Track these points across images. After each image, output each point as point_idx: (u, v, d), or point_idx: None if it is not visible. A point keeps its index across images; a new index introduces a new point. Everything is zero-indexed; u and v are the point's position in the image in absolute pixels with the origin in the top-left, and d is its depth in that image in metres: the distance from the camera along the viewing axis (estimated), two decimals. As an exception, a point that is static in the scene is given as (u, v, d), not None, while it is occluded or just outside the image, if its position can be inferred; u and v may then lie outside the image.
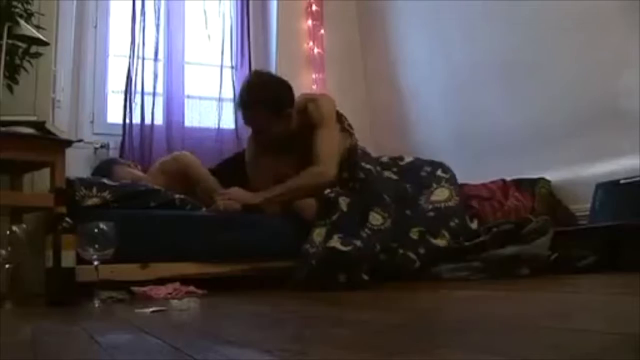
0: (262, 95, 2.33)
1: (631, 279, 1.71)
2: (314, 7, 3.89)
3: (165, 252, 2.15)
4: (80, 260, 1.78)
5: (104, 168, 2.62)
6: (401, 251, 2.19)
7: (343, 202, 2.16)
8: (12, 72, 2.17)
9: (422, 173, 2.50)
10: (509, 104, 2.99)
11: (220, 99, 3.57)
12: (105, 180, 2.24)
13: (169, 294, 1.96)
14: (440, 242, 2.24)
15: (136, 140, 3.22)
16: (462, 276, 2.14)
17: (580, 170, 2.60)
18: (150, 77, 3.35)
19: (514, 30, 2.96)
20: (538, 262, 2.10)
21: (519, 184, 2.74)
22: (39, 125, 2.02)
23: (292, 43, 3.83)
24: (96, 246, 1.76)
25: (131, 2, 3.34)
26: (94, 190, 2.12)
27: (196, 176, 2.57)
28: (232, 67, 3.65)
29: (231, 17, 3.71)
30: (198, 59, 3.63)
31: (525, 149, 2.86)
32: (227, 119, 3.57)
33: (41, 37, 2.19)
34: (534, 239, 2.14)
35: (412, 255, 2.19)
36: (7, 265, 1.81)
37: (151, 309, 1.46)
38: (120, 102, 3.26)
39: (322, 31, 3.90)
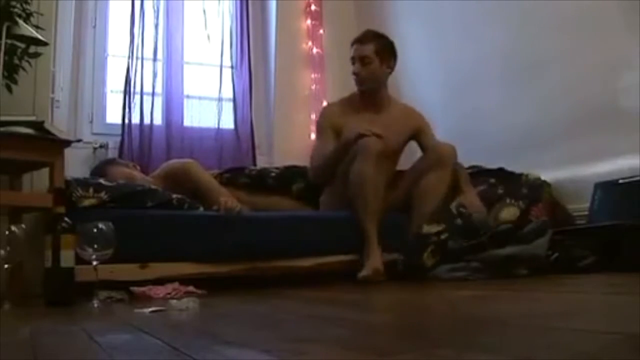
0: None
1: (631, 279, 1.71)
2: (313, 7, 3.89)
3: (162, 252, 2.14)
4: (79, 260, 1.78)
5: (100, 168, 2.61)
6: None
7: None
8: (11, 72, 2.17)
9: None
10: (508, 104, 2.99)
11: (219, 99, 3.56)
12: (102, 181, 2.23)
13: (168, 294, 1.96)
14: None
15: (135, 140, 3.21)
16: (460, 276, 2.14)
17: (579, 170, 2.60)
18: (149, 77, 3.35)
19: (513, 30, 2.96)
20: (537, 262, 2.10)
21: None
22: (38, 125, 2.02)
23: (291, 43, 3.83)
24: (95, 246, 1.76)
25: (130, 1, 3.33)
26: (91, 190, 2.12)
27: (208, 190, 2.46)
28: (231, 67, 3.65)
29: (230, 17, 3.71)
30: (197, 58, 3.62)
31: (524, 149, 2.86)
32: (227, 119, 3.56)
33: (40, 37, 2.18)
34: (532, 240, 2.14)
35: None
36: (6, 266, 1.81)
37: (150, 309, 1.45)
38: (119, 102, 3.25)
39: (321, 31, 3.90)
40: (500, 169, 2.73)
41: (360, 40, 2.72)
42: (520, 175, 2.67)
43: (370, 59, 2.68)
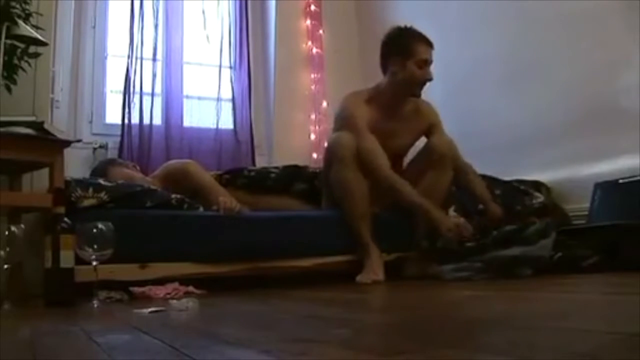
0: None
1: (631, 279, 1.71)
2: (312, 7, 3.89)
3: (162, 252, 2.14)
4: (79, 261, 1.78)
5: (101, 168, 2.61)
6: None
7: None
8: (11, 73, 2.16)
9: None
10: (508, 104, 2.99)
11: (219, 99, 3.57)
12: (102, 181, 2.22)
13: (168, 294, 1.96)
14: None
15: (135, 141, 3.22)
16: (463, 277, 2.14)
17: (579, 170, 2.60)
18: (148, 77, 3.35)
19: (513, 30, 2.96)
20: (540, 263, 2.09)
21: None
22: (38, 126, 2.02)
23: (291, 43, 3.84)
24: (95, 246, 1.76)
25: (130, 2, 3.33)
26: (90, 191, 2.11)
27: (207, 190, 2.44)
28: (230, 67, 3.65)
29: (230, 17, 3.71)
30: (197, 59, 3.62)
31: (524, 149, 2.86)
32: (226, 119, 3.56)
33: (40, 37, 2.18)
34: (536, 241, 2.14)
35: None
36: (5, 266, 1.81)
37: (150, 309, 1.45)
38: (119, 102, 3.26)
39: (321, 31, 3.90)
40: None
41: (432, 44, 2.53)
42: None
43: None
